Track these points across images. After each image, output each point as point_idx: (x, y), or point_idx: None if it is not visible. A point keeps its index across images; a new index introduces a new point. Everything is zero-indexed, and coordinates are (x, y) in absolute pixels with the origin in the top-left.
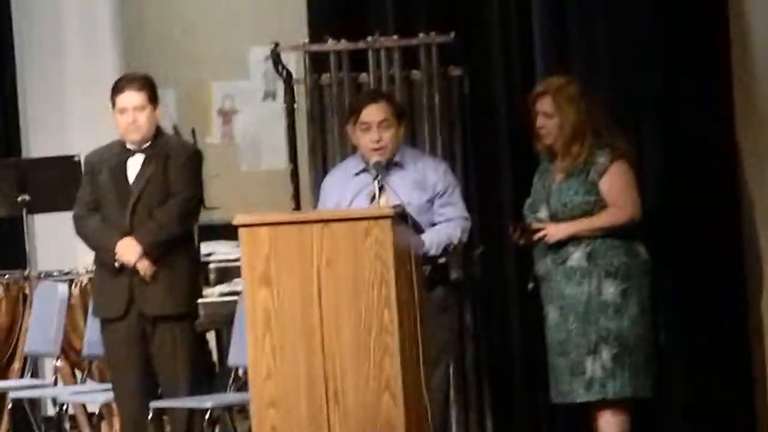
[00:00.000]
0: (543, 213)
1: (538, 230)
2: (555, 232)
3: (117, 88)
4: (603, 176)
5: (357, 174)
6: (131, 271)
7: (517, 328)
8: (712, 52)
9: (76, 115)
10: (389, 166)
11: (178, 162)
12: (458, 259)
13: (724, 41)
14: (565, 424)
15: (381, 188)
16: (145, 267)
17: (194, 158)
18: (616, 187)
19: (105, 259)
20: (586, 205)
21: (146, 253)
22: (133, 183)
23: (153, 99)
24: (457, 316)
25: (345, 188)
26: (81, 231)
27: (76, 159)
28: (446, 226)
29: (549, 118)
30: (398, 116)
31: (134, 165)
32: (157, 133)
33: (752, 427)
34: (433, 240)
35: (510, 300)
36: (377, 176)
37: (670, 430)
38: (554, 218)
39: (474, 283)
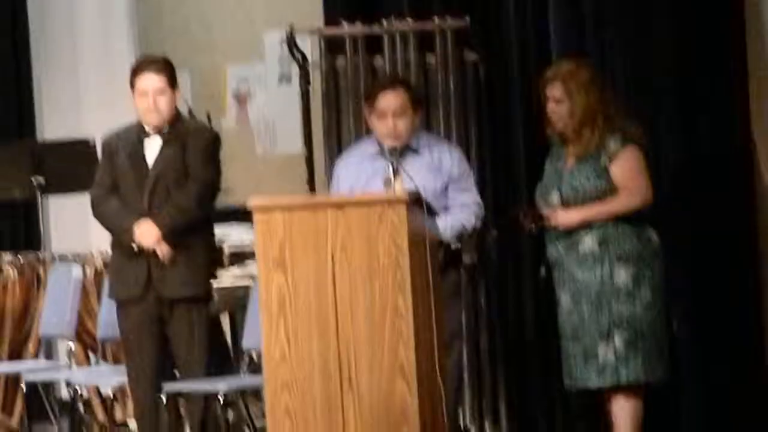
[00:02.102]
0: (554, 198)
1: (549, 216)
2: (566, 217)
3: (137, 70)
4: (614, 161)
5: (371, 158)
6: (149, 254)
7: (530, 313)
8: (728, 43)
9: (91, 98)
10: (405, 150)
11: (196, 145)
12: (472, 243)
13: (739, 32)
14: (578, 408)
15: (396, 172)
16: (164, 250)
17: (213, 142)
18: (628, 173)
19: (123, 242)
20: (598, 191)
21: (165, 237)
22: (152, 166)
23: (173, 82)
24: (471, 300)
25: (360, 171)
26: (99, 213)
27: (91, 142)
28: (460, 211)
29: (559, 103)
30: (415, 103)
31: (153, 148)
32: (176, 116)
33: (765, 413)
34: (447, 225)
35: (524, 284)
36: (392, 161)
37: (683, 414)
38: (566, 203)
39: (488, 268)
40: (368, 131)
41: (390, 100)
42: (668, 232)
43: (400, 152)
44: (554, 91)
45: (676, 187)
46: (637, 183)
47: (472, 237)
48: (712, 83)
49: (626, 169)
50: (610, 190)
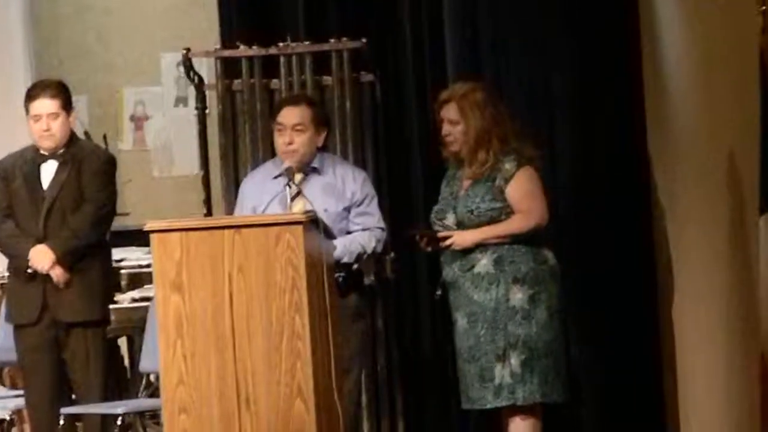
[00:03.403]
0: (450, 220)
1: (444, 238)
2: (461, 239)
3: (30, 96)
4: (509, 182)
5: (274, 178)
6: (45, 278)
7: (428, 334)
8: (624, 59)
9: None
10: (307, 171)
11: (91, 168)
12: (371, 265)
13: (635, 50)
14: (476, 429)
15: (298, 193)
16: (58, 274)
17: (108, 164)
18: (522, 194)
19: (18, 266)
20: (493, 212)
21: (60, 260)
22: (47, 189)
23: (67, 105)
24: (370, 321)
25: (262, 192)
26: None
27: None
28: (360, 235)
29: (454, 125)
30: (318, 123)
31: (48, 171)
32: (71, 139)
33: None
34: (346, 247)
35: (422, 306)
36: (289, 181)
37: None
38: (461, 225)
39: (386, 289)
40: (267, 153)
41: (289, 115)
42: (566, 251)
43: (304, 173)
44: (449, 112)
45: (571, 201)
46: (533, 204)
47: (371, 259)
48: (607, 100)
49: (522, 190)
50: (505, 211)
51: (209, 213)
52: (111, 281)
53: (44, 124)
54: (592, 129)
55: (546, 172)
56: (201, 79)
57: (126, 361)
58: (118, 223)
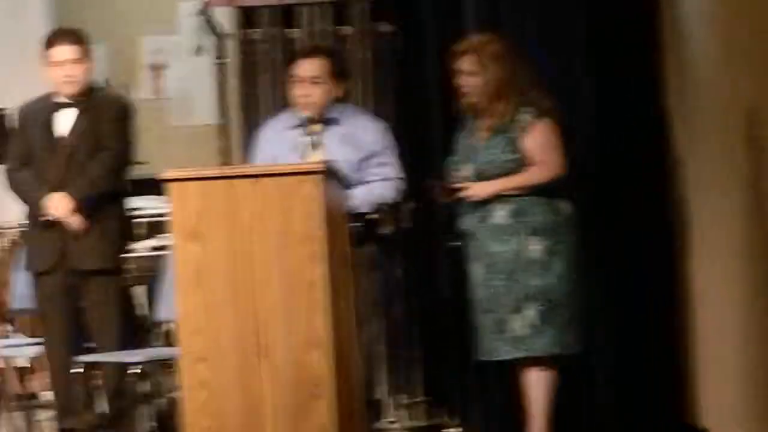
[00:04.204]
0: (468, 171)
1: (460, 189)
2: (479, 190)
3: (51, 42)
4: (526, 134)
5: (292, 128)
6: (62, 226)
7: (446, 285)
8: (643, 20)
9: (4, 70)
10: (327, 121)
11: (109, 116)
12: (389, 215)
13: (655, 16)
14: (494, 380)
15: (316, 143)
16: (76, 222)
17: (126, 112)
18: (540, 146)
19: (36, 214)
20: (510, 163)
21: (77, 208)
22: (66, 137)
23: (87, 53)
24: (388, 271)
25: (280, 142)
26: (12, 185)
27: (4, 113)
28: (379, 185)
29: (471, 76)
30: (335, 74)
31: (66, 119)
32: (90, 87)
33: (679, 386)
34: (364, 197)
35: (439, 256)
36: (306, 132)
37: (597, 386)
38: (479, 176)
39: (404, 239)
40: (286, 103)
41: (305, 67)
42: (584, 202)
43: (323, 123)
44: (466, 64)
45: (591, 158)
46: (550, 156)
47: (390, 209)
48: (627, 55)
49: (539, 142)
50: (523, 163)
51: (227, 162)
52: (128, 229)
53: (67, 70)
54: (612, 84)
55: (565, 124)
56: (220, 29)
57: (144, 310)
58: (136, 172)
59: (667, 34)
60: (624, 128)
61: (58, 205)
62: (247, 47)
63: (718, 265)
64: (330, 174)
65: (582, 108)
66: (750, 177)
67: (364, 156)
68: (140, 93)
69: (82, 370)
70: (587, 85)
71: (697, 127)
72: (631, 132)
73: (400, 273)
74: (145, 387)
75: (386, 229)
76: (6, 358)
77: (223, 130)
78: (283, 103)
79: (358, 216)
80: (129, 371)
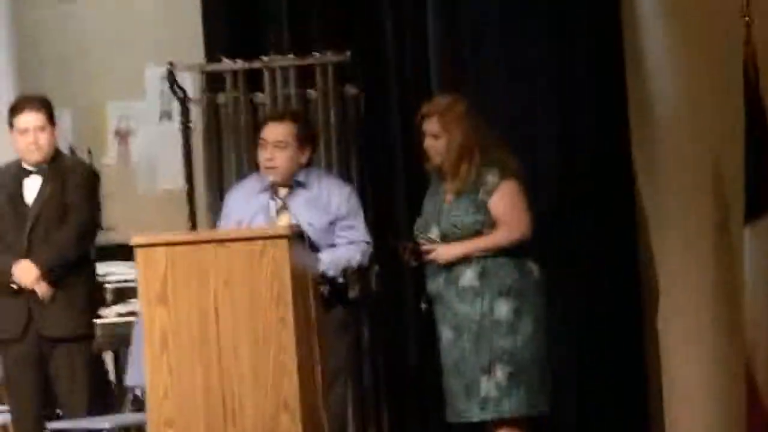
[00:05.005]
0: (434, 233)
1: (429, 251)
2: (445, 252)
3: (16, 109)
4: (492, 195)
5: (260, 192)
6: (29, 293)
7: (413, 347)
8: (607, 65)
9: None
10: (293, 185)
11: (75, 182)
12: (356, 278)
13: (618, 55)
14: None
15: (283, 207)
16: (42, 290)
17: (91, 179)
18: (506, 206)
19: (2, 281)
20: (477, 225)
21: (44, 276)
22: (31, 204)
23: (51, 119)
24: (356, 334)
25: (247, 205)
26: None
27: None
28: (346, 248)
29: (436, 138)
30: (302, 139)
31: (32, 186)
32: (55, 154)
33: None
34: (331, 261)
35: (406, 319)
36: (273, 195)
37: None
38: (445, 238)
39: (371, 302)
40: (252, 167)
41: (272, 131)
42: (547, 256)
43: (289, 186)
44: (431, 126)
45: (555, 207)
46: (516, 216)
47: (357, 272)
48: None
49: (505, 202)
50: (489, 224)
51: (194, 227)
52: (96, 296)
53: (31, 137)
54: (575, 135)
55: (529, 180)
56: (185, 94)
57: (112, 376)
58: (102, 238)
59: (631, 84)
60: (588, 181)
61: (24, 273)
62: (212, 111)
63: (684, 321)
64: (297, 238)
65: (546, 164)
66: (717, 225)
67: (331, 219)
68: (106, 159)
69: None
70: (551, 140)
71: (662, 179)
72: (595, 185)
73: (367, 336)
74: None
75: (354, 293)
76: None
77: (189, 194)
78: (248, 167)
79: (326, 279)
80: None
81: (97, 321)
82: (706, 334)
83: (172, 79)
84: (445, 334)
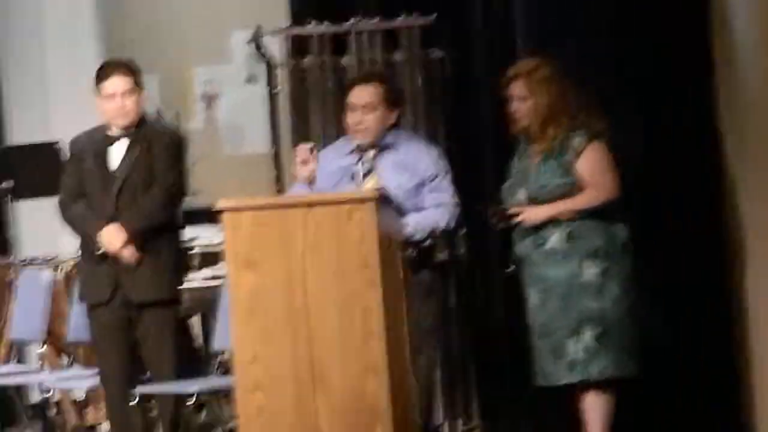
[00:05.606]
0: (521, 195)
1: (517, 214)
2: (533, 214)
3: (103, 74)
4: (579, 157)
5: (347, 154)
6: (116, 258)
7: (501, 311)
8: (693, 33)
9: (59, 102)
10: (381, 147)
11: (162, 147)
12: (443, 241)
13: (704, 22)
14: (550, 406)
15: (370, 170)
16: (129, 254)
17: (178, 144)
18: (593, 168)
19: (90, 246)
20: (564, 187)
21: (130, 241)
22: (118, 169)
23: (139, 84)
24: (442, 298)
25: (336, 168)
26: (66, 218)
27: (57, 146)
28: (434, 211)
29: (523, 101)
30: (389, 101)
31: (118, 151)
32: (142, 118)
33: (737, 410)
34: (418, 224)
35: (493, 282)
36: (361, 158)
37: (656, 410)
38: (532, 201)
39: (458, 265)
40: (337, 130)
41: (360, 93)
42: (635, 222)
43: (377, 149)
44: (517, 89)
45: (644, 180)
46: (604, 179)
47: (444, 235)
48: (677, 70)
49: (592, 165)
50: (576, 186)
51: (280, 191)
52: (182, 260)
53: (119, 102)
54: (662, 103)
55: (616, 146)
56: (271, 57)
57: (199, 340)
58: (189, 202)
59: (717, 53)
60: (675, 148)
61: (111, 238)
62: (298, 75)
63: None
64: (384, 201)
65: (632, 130)
66: None
67: (419, 182)
68: (192, 123)
69: (137, 401)
70: (637, 107)
71: (748, 148)
72: (682, 152)
73: (454, 299)
74: (202, 417)
75: (441, 256)
76: (63, 391)
77: (275, 158)
78: (334, 131)
79: (413, 243)
80: (186, 402)
81: (184, 285)
82: None
83: (257, 43)
84: (532, 296)
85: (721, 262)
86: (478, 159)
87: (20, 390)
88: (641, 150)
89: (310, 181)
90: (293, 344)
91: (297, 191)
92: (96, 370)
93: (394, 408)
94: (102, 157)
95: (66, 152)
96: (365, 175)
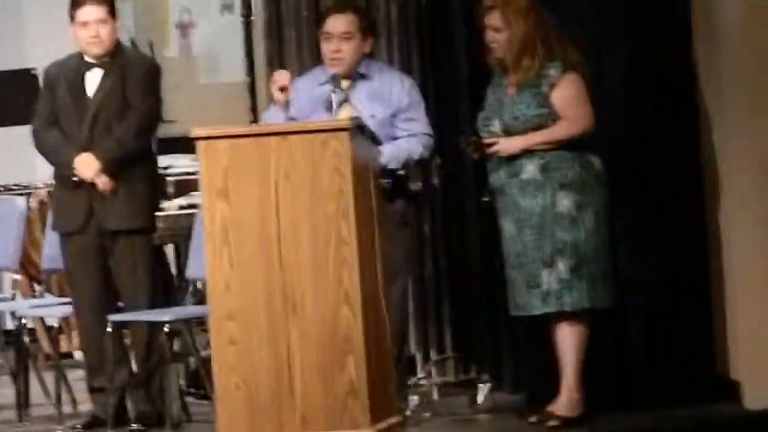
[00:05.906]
0: (496, 126)
1: (491, 144)
2: (508, 145)
3: (77, 2)
4: (554, 89)
5: (321, 84)
6: (90, 186)
7: (475, 241)
8: None
9: (33, 28)
10: (355, 77)
11: (136, 75)
12: (418, 171)
13: None
14: (524, 336)
15: (345, 100)
16: (103, 182)
17: (152, 72)
18: (568, 100)
19: (64, 174)
20: (539, 118)
21: (105, 169)
22: (92, 97)
23: (113, 12)
24: (416, 228)
25: (309, 97)
26: (40, 145)
27: (33, 72)
28: (407, 140)
29: (498, 32)
30: (364, 30)
31: (93, 79)
32: (117, 47)
33: (709, 338)
34: (392, 153)
35: (468, 212)
36: (335, 88)
37: (629, 341)
38: (507, 132)
39: (433, 195)
40: (313, 59)
41: (336, 22)
42: (612, 156)
43: (351, 79)
44: (492, 19)
45: (619, 112)
46: (579, 110)
47: (418, 165)
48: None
49: (567, 96)
50: (551, 117)
51: (255, 120)
52: (157, 189)
53: (92, 30)
54: (641, 38)
55: (593, 78)
56: None
57: (173, 269)
58: (164, 130)
59: None
60: (652, 81)
61: (85, 166)
62: (273, 3)
63: (747, 212)
64: (358, 130)
65: (610, 62)
66: None
67: (393, 112)
68: (168, 51)
69: (111, 329)
70: (615, 41)
71: (724, 86)
72: (659, 87)
73: (428, 229)
74: (176, 345)
75: (415, 186)
76: (37, 318)
77: (250, 87)
78: (310, 60)
79: (387, 172)
80: (160, 330)
81: (159, 213)
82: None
83: None
84: (507, 227)
85: (697, 194)
86: (453, 89)
87: None
88: (622, 92)
89: (286, 107)
90: (267, 273)
91: (272, 118)
92: (69, 298)
93: (367, 337)
94: (76, 85)
95: (42, 79)
96: (340, 105)
